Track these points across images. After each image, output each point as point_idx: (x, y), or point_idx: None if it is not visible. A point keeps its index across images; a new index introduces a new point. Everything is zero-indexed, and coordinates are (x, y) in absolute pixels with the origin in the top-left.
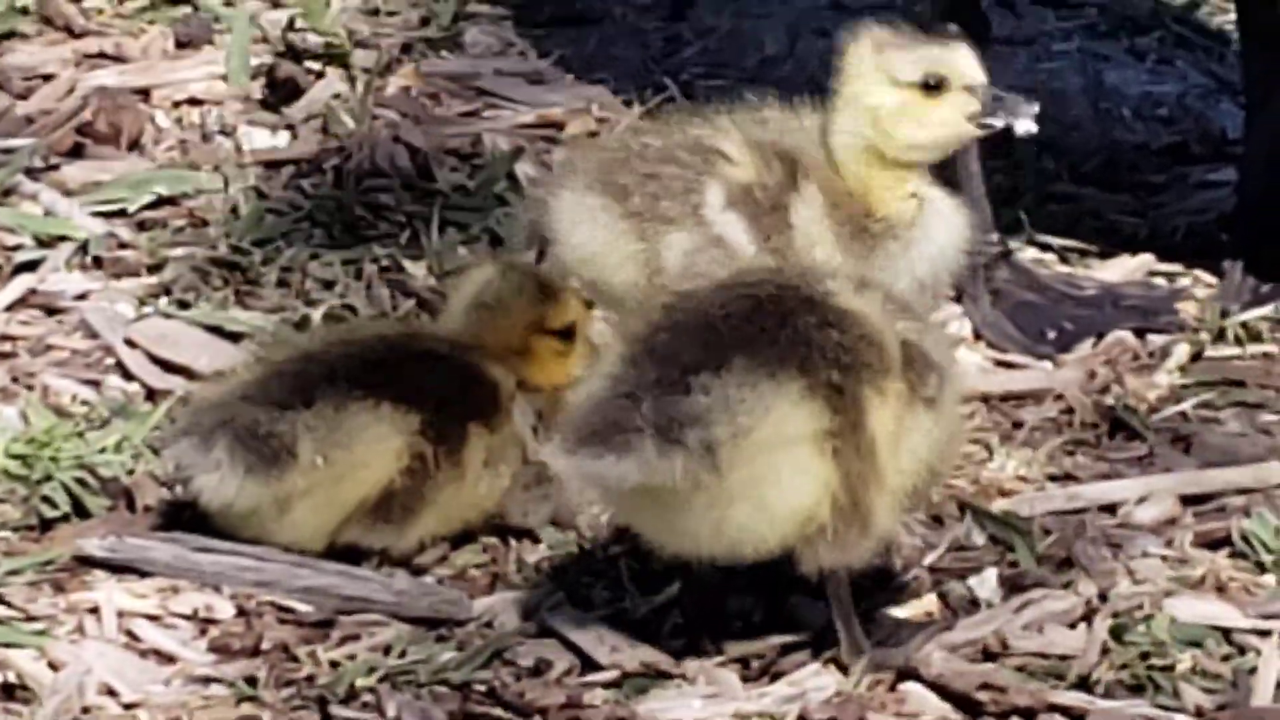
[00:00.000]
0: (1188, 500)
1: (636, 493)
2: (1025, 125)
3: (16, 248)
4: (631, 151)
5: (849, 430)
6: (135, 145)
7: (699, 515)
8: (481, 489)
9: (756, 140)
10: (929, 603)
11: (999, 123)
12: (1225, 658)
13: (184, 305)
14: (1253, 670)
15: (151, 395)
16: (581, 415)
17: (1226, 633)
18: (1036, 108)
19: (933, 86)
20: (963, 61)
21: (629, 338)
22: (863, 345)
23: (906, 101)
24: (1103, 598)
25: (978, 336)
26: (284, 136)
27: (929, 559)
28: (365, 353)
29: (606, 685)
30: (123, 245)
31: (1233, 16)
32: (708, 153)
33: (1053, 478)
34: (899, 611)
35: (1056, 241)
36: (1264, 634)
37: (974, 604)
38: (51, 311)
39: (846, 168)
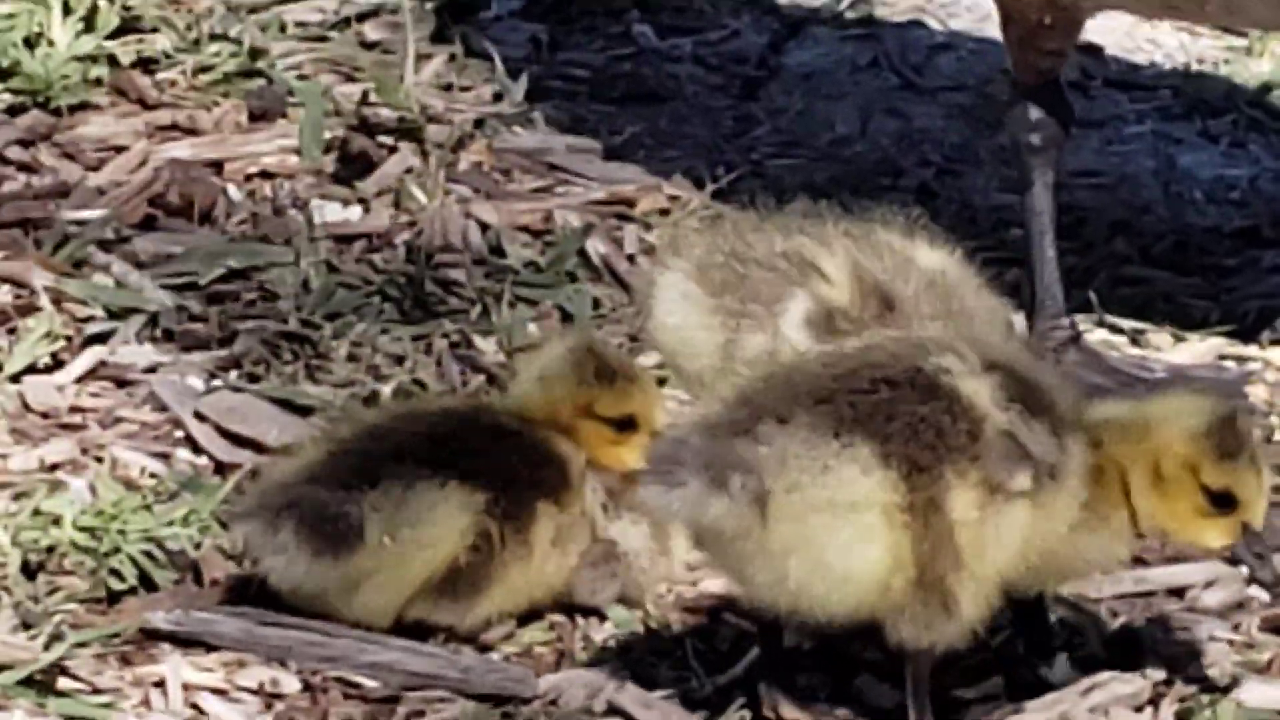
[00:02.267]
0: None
1: (705, 533)
2: None
3: (88, 319)
4: (734, 247)
5: (924, 507)
6: (207, 218)
7: (756, 565)
8: (549, 567)
9: (860, 266)
10: (996, 684)
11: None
12: None
13: (253, 379)
14: None
15: (220, 469)
16: (657, 445)
17: None
18: None
19: None
20: None
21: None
22: (951, 426)
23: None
24: (1169, 682)
25: None
26: (356, 211)
27: (997, 639)
28: (432, 429)
29: None
30: (193, 318)
31: None
32: (804, 265)
33: None
34: (968, 692)
35: (1127, 324)
36: None
37: (1041, 686)
38: (121, 384)
39: None
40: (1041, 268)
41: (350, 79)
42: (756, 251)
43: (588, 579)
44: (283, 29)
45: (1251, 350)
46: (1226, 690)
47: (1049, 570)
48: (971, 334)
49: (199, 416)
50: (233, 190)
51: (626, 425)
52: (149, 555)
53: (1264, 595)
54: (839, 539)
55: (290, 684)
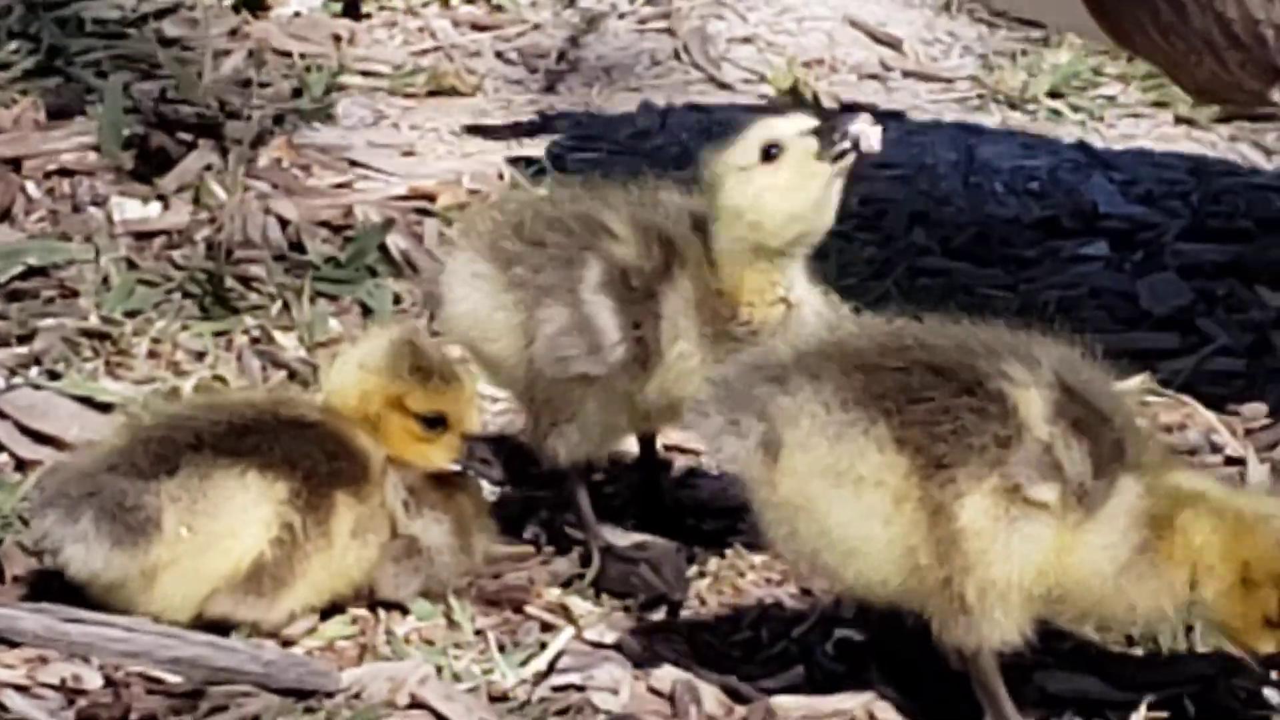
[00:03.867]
0: None
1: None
2: (869, 141)
3: None
4: (523, 218)
5: (933, 500)
6: (6, 215)
7: (769, 516)
8: (349, 559)
9: (643, 220)
10: None
11: (846, 146)
12: None
13: (54, 376)
14: None
15: (21, 465)
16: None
17: None
18: (871, 121)
19: (772, 154)
20: (789, 121)
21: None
22: (977, 425)
23: (758, 181)
24: None
25: None
26: (155, 207)
27: None
28: (232, 419)
29: None
30: None
31: (1104, 91)
32: (594, 226)
33: None
34: None
35: (927, 316)
36: None
37: None
38: None
39: (724, 269)
40: None
41: (149, 76)
42: (544, 221)
43: (390, 574)
44: (80, 26)
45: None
46: None
47: (1088, 603)
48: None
49: (0, 414)
50: (31, 187)
51: (436, 423)
52: None
53: None
54: (844, 510)
55: (93, 679)
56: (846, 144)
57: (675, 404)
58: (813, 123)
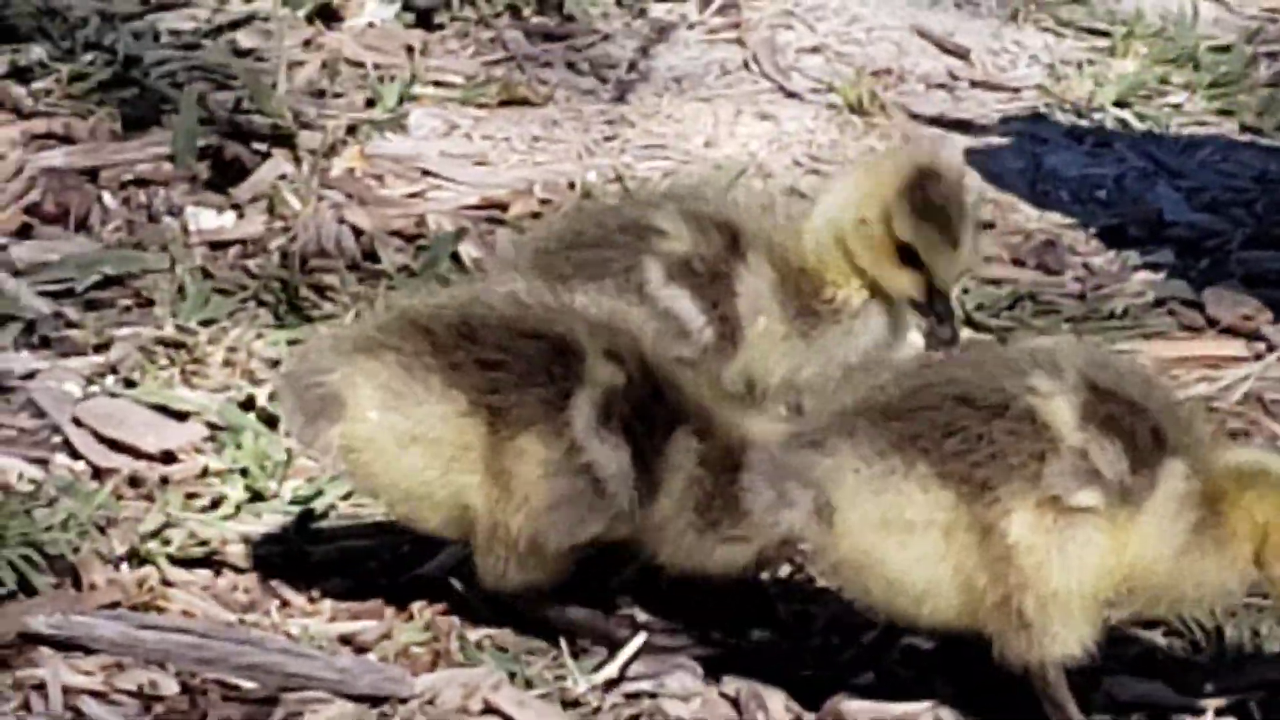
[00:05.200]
0: None
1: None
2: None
3: None
4: (566, 240)
5: (982, 525)
6: (83, 225)
7: (836, 577)
8: None
9: (693, 212)
10: None
11: (946, 334)
12: None
13: (130, 384)
14: None
15: (98, 474)
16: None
17: None
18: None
19: (910, 257)
20: (946, 260)
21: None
22: (1014, 445)
23: (882, 252)
24: None
25: None
26: (230, 217)
27: None
28: None
29: None
30: (70, 324)
31: (1170, 100)
32: (643, 230)
33: None
34: None
35: (995, 323)
36: None
37: None
38: None
39: (811, 245)
40: None
41: (223, 86)
42: (594, 236)
43: None
44: (156, 37)
45: (1122, 346)
46: None
47: (1158, 590)
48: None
49: (76, 422)
50: (108, 197)
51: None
52: (28, 559)
53: None
54: (904, 556)
55: (169, 686)
56: (946, 332)
57: (760, 390)
58: (950, 291)
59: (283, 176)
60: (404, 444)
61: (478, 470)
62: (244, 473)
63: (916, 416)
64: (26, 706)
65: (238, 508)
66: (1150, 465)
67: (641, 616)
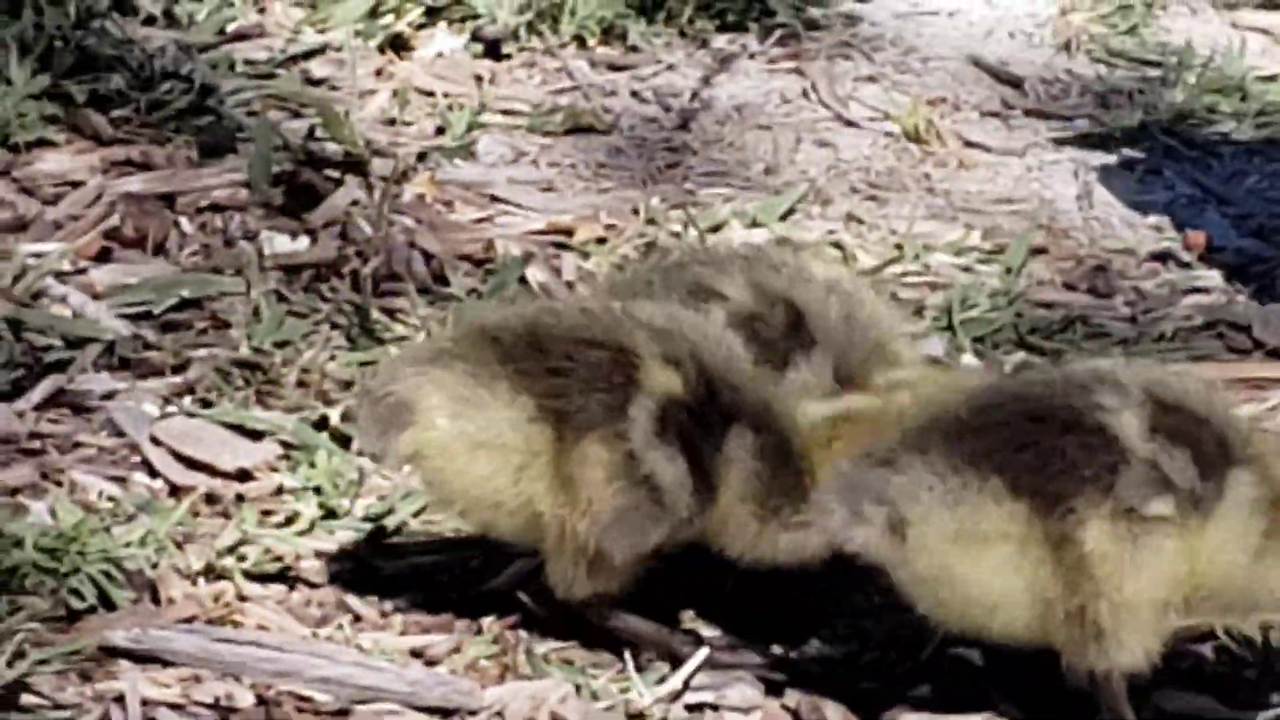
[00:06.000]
0: None
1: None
2: None
3: (46, 348)
4: (635, 291)
5: (1056, 537)
6: (160, 250)
7: (912, 594)
8: None
9: (763, 285)
10: None
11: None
12: None
13: (207, 404)
14: None
15: (175, 491)
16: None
17: None
18: None
19: None
20: None
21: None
22: (1086, 458)
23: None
24: None
25: None
26: (304, 241)
27: None
28: None
29: None
30: (148, 346)
31: (1218, 128)
32: (708, 294)
33: None
34: None
35: (1047, 345)
36: None
37: None
38: (79, 410)
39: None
40: None
41: (297, 115)
42: (661, 290)
43: None
44: (232, 67)
45: (1172, 368)
46: None
47: (1231, 599)
48: (881, 341)
49: (154, 441)
50: (185, 223)
51: None
52: (107, 575)
53: None
54: (979, 569)
55: (245, 698)
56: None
57: None
58: None
59: (355, 202)
60: (473, 450)
61: (546, 476)
62: (317, 490)
63: (988, 433)
64: (106, 718)
65: (311, 524)
66: (1218, 473)
67: (704, 631)
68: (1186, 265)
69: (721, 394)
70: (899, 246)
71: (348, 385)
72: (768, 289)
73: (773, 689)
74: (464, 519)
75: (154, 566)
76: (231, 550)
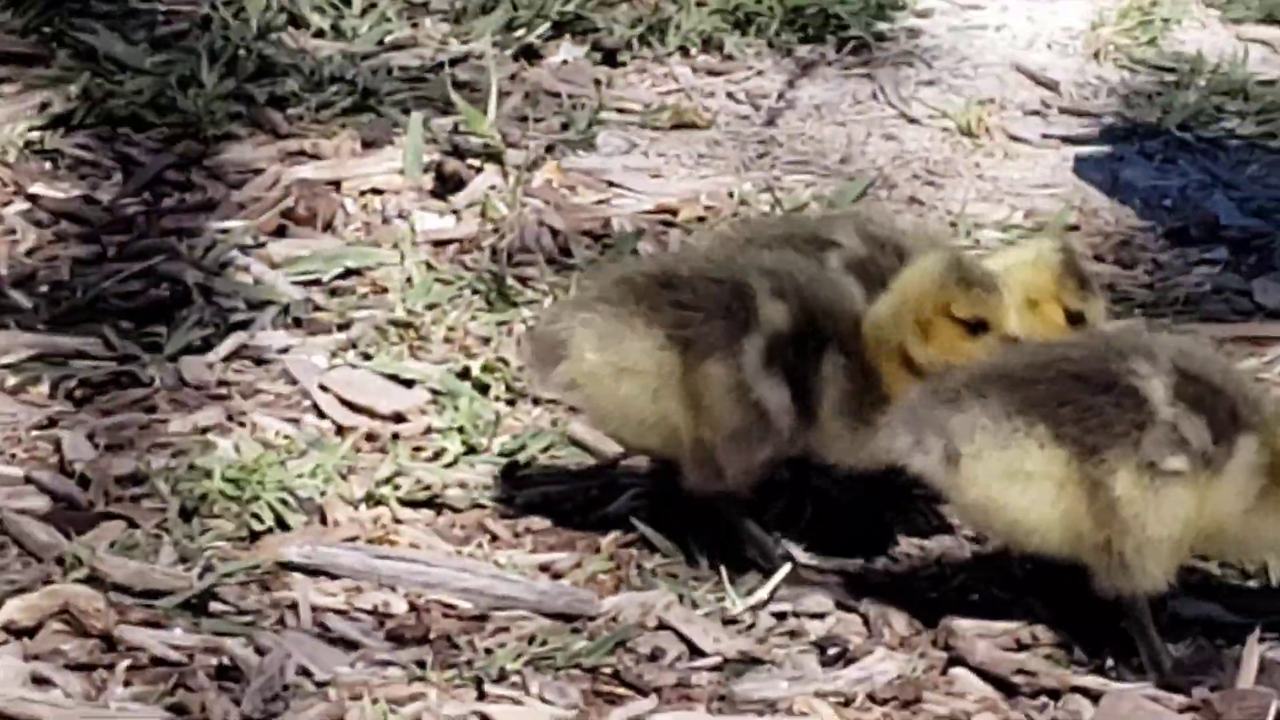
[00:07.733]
0: None
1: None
2: None
3: (232, 310)
4: (750, 239)
5: (1090, 480)
6: (328, 227)
7: (962, 517)
8: None
9: (871, 233)
10: None
11: None
12: None
13: (367, 357)
14: None
15: (340, 431)
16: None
17: None
18: None
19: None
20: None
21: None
22: (1119, 415)
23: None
24: None
25: None
26: (449, 220)
27: None
28: None
29: (710, 669)
30: (318, 308)
31: (1224, 124)
32: (825, 244)
33: None
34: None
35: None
36: None
37: None
38: (259, 362)
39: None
40: None
41: (444, 113)
42: (778, 237)
43: None
44: (389, 72)
45: (1184, 327)
46: None
47: (1228, 542)
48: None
49: (323, 388)
50: (349, 204)
51: (979, 328)
52: (283, 501)
53: None
54: (1021, 501)
55: (399, 605)
56: None
57: None
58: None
59: (493, 187)
60: (616, 376)
61: (677, 395)
62: (460, 430)
63: (1037, 386)
64: (282, 622)
65: (455, 459)
66: (1228, 438)
67: (789, 547)
68: (1197, 240)
69: (820, 321)
70: (953, 224)
71: (486, 341)
72: (876, 237)
73: (846, 598)
74: (618, 439)
75: (322, 494)
76: (388, 481)
